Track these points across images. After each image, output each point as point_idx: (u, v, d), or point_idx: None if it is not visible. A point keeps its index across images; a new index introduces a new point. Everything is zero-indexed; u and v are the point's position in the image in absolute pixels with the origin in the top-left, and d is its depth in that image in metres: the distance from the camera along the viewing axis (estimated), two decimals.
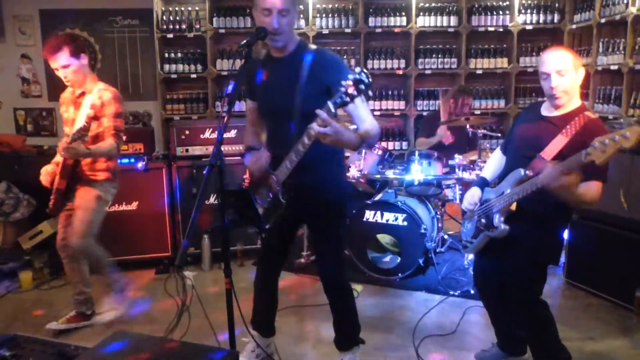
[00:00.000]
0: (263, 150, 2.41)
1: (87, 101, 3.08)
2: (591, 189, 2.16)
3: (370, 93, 1.94)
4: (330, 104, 1.96)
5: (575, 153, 2.00)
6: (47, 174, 3.14)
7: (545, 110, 2.41)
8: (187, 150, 4.30)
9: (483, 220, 2.48)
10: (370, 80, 1.90)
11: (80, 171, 3.13)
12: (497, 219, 2.37)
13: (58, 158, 3.18)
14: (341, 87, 1.91)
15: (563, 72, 2.25)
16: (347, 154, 4.32)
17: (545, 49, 5.58)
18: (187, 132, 4.29)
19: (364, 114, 2.25)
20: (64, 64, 2.99)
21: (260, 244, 2.77)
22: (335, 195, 2.48)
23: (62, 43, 2.98)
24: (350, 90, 1.90)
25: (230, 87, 2.07)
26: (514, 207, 2.33)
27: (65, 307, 3.43)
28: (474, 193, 2.58)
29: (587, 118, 2.24)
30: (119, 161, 4.08)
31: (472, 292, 3.65)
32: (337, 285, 2.58)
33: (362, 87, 1.89)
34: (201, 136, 4.30)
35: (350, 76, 1.90)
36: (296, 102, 2.23)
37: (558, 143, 2.24)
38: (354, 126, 2.33)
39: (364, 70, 1.90)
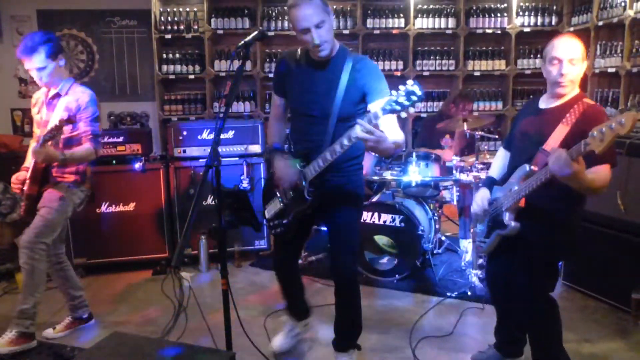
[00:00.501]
0: (289, 157, 2.43)
1: (62, 103, 2.95)
2: (600, 173, 2.11)
3: (412, 110, 1.99)
4: (380, 110, 2.01)
5: (577, 142, 1.97)
6: (18, 181, 3.02)
7: (544, 103, 2.39)
8: (184, 151, 4.30)
9: (493, 219, 2.48)
10: (422, 94, 1.95)
11: (50, 174, 2.99)
12: (507, 217, 2.36)
13: (28, 163, 3.06)
14: (392, 95, 1.97)
15: (575, 61, 2.22)
16: None
17: (543, 51, 5.69)
18: (184, 132, 4.29)
19: (395, 126, 2.31)
20: (40, 66, 2.85)
21: (274, 239, 2.80)
22: (358, 195, 2.55)
23: (39, 44, 2.81)
24: (401, 100, 1.94)
25: (227, 88, 2.08)
26: (522, 203, 2.30)
27: (61, 310, 3.41)
28: (483, 195, 2.55)
29: (586, 105, 2.22)
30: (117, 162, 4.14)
31: (468, 293, 3.66)
32: (351, 286, 2.60)
33: (414, 98, 1.94)
34: (199, 137, 4.30)
35: (403, 87, 1.95)
36: (335, 105, 2.30)
37: (559, 133, 2.21)
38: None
39: (417, 82, 1.95)
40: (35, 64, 2.84)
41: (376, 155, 4.15)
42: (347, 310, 2.66)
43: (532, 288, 2.37)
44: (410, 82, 1.95)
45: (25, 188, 3.00)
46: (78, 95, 2.96)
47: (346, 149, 2.19)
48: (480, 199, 2.55)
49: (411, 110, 1.99)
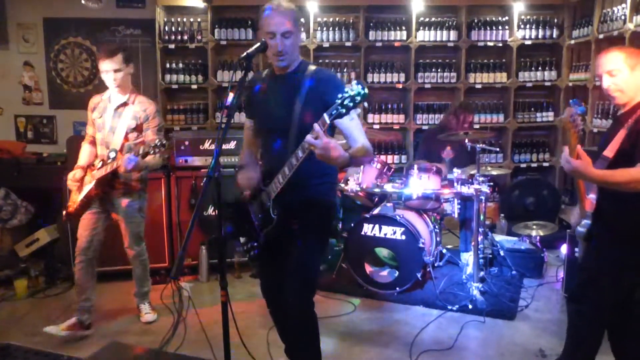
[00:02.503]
0: (254, 166, 2.42)
1: (129, 112, 3.23)
2: (629, 171, 2.12)
3: (366, 104, 1.96)
4: (325, 116, 1.97)
5: (632, 144, 2.03)
6: (75, 179, 3.24)
7: (620, 111, 2.43)
8: (186, 161, 4.30)
9: None
10: (366, 91, 1.91)
11: (118, 181, 3.26)
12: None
13: (83, 162, 3.31)
14: (337, 99, 1.93)
15: (614, 72, 2.26)
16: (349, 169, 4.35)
17: (544, 64, 5.72)
18: (186, 142, 4.30)
19: (357, 134, 2.25)
20: (117, 67, 3.15)
21: (257, 265, 2.65)
22: (324, 217, 2.43)
23: (118, 49, 3.18)
24: (346, 102, 1.91)
25: (229, 99, 2.09)
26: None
27: (60, 316, 3.41)
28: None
29: None
30: None
31: (469, 306, 3.64)
32: (302, 318, 2.36)
33: (358, 98, 1.90)
34: (201, 147, 4.31)
35: (347, 88, 1.92)
36: (294, 118, 2.25)
37: (619, 137, 2.24)
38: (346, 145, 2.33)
39: (361, 81, 1.91)
40: (115, 65, 3.14)
41: (378, 167, 4.16)
42: (299, 353, 2.47)
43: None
44: (353, 82, 1.92)
45: (87, 187, 3.22)
46: (146, 105, 3.27)
47: (302, 161, 2.11)
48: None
49: (357, 110, 1.97)
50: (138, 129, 3.24)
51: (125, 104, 3.26)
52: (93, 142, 3.36)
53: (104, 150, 3.26)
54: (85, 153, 3.37)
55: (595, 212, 2.36)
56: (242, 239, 2.48)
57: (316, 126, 1.97)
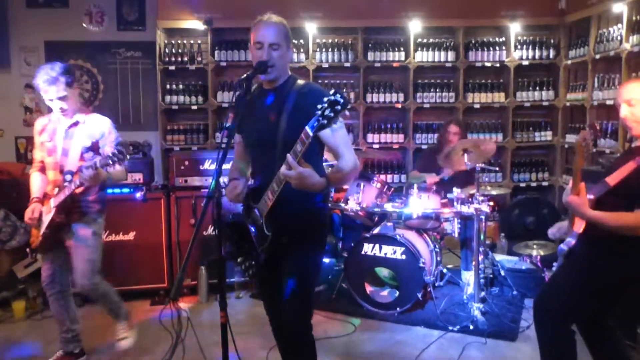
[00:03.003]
0: (241, 179, 2.40)
1: (82, 131, 3.04)
2: (624, 216, 2.16)
3: (347, 113, 1.93)
4: (307, 128, 1.95)
5: (638, 183, 2.05)
6: (35, 217, 3.01)
7: (635, 142, 2.44)
8: (186, 181, 4.31)
9: None
10: (345, 100, 1.88)
11: (75, 205, 3.03)
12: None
13: (36, 193, 3.08)
14: (317, 110, 1.90)
15: (633, 101, 2.29)
16: (345, 186, 4.35)
17: (542, 84, 5.77)
18: (186, 162, 4.31)
19: (343, 148, 2.23)
20: (62, 95, 2.94)
21: (257, 286, 2.65)
22: (314, 230, 2.40)
23: (59, 74, 2.91)
24: (327, 112, 1.88)
25: (229, 120, 2.10)
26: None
27: (58, 338, 3.37)
28: None
29: None
30: (118, 190, 4.16)
31: (471, 327, 3.61)
32: (299, 337, 2.32)
33: (338, 107, 1.87)
34: (200, 167, 4.32)
35: (325, 98, 1.89)
36: (280, 132, 2.24)
37: (625, 169, 2.24)
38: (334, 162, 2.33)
39: (339, 91, 1.89)
40: (58, 94, 2.93)
41: (378, 187, 4.16)
42: None
43: None
44: (331, 91, 1.90)
45: (47, 217, 3.00)
46: (99, 122, 3.10)
47: (282, 186, 2.11)
48: None
49: (340, 121, 1.93)
50: (94, 148, 3.03)
51: (76, 124, 3.06)
52: (43, 169, 3.13)
53: (57, 175, 3.03)
54: (36, 183, 3.11)
55: (582, 233, 2.34)
56: (239, 259, 2.46)
57: (289, 157, 1.97)
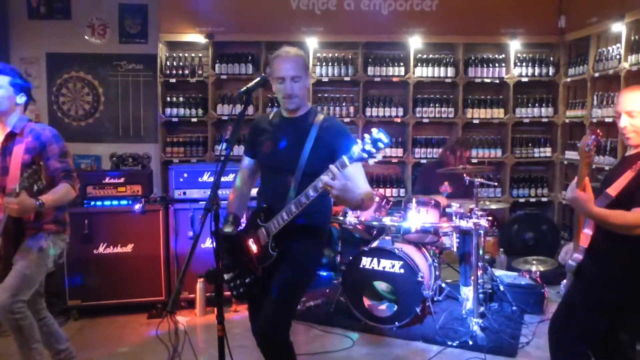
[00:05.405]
0: (241, 212, 2.51)
1: (21, 145, 2.62)
2: (624, 214, 2.15)
3: (380, 157, 2.05)
4: (345, 158, 2.07)
5: (637, 187, 2.05)
6: None
7: (629, 151, 2.43)
8: (184, 193, 4.30)
9: None
10: (388, 141, 2.03)
11: (24, 227, 2.63)
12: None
13: None
14: (363, 143, 2.03)
15: (634, 113, 2.25)
16: None
17: (541, 100, 5.80)
18: (185, 174, 4.31)
19: (362, 181, 2.35)
20: None
21: (247, 306, 2.59)
22: (311, 243, 2.47)
23: (9, 68, 2.65)
24: (368, 147, 2.02)
25: (229, 133, 2.13)
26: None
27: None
28: None
29: None
30: (117, 203, 4.14)
31: (470, 342, 3.58)
32: (276, 346, 2.33)
33: (382, 145, 2.01)
34: (199, 179, 4.32)
35: (368, 135, 2.03)
36: (301, 160, 2.35)
37: (625, 178, 2.23)
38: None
39: (382, 131, 2.02)
40: None
41: (376, 200, 4.15)
42: None
43: None
44: (375, 130, 2.03)
45: None
46: (38, 133, 2.67)
47: (312, 200, 2.20)
48: None
49: (378, 157, 2.06)
50: (36, 162, 2.56)
51: (12, 136, 2.65)
52: None
53: None
54: None
55: (588, 248, 2.34)
56: (226, 276, 2.46)
57: (333, 167, 2.08)
